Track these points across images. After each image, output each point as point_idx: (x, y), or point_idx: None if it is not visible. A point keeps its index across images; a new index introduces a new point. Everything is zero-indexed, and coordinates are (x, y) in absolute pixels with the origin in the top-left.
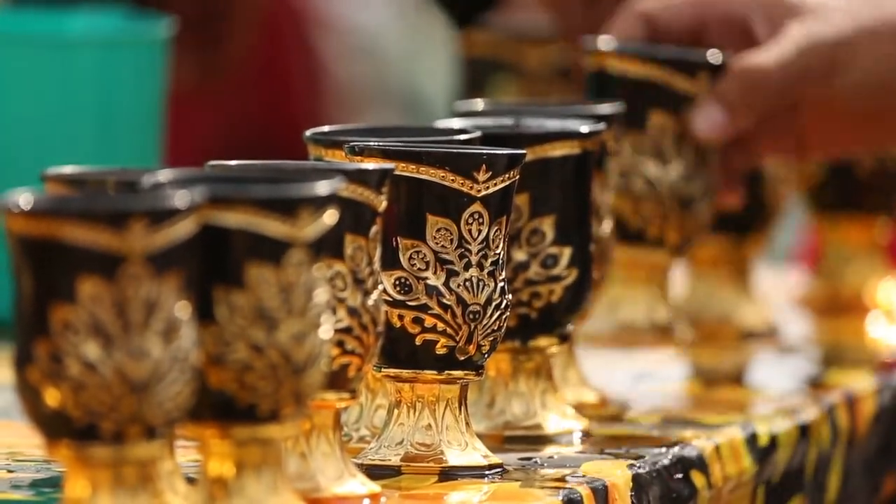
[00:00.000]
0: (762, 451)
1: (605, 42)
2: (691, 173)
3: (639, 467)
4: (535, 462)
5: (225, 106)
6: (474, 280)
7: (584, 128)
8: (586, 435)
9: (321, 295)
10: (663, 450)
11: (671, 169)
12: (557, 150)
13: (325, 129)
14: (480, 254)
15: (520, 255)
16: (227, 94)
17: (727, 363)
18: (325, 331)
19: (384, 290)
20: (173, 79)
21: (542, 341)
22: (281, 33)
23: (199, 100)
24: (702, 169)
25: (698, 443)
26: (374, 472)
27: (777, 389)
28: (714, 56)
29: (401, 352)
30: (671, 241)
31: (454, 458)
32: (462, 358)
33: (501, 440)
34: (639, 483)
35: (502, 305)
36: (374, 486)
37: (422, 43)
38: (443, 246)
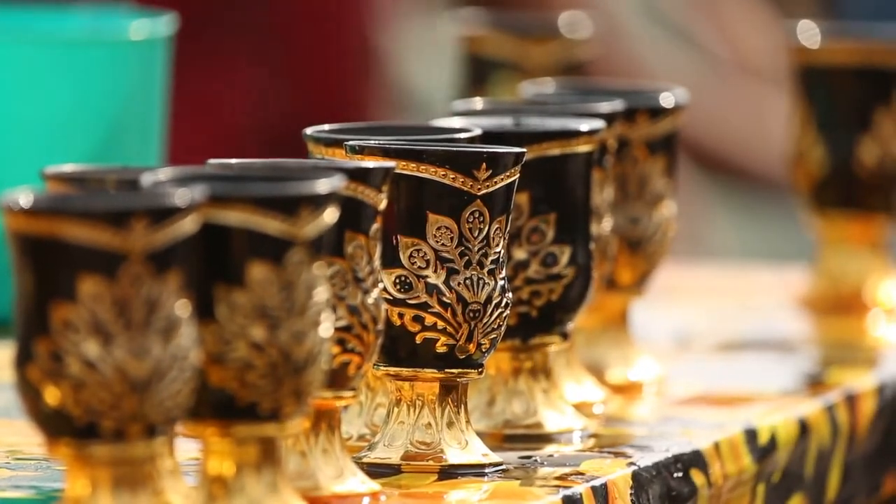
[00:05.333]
0: (762, 450)
1: None
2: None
3: (638, 466)
4: (535, 461)
5: (252, 106)
6: (474, 278)
7: (584, 126)
8: (586, 433)
9: (321, 293)
10: (663, 448)
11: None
12: (558, 149)
13: (325, 127)
14: (481, 252)
15: (520, 254)
16: (255, 95)
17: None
18: (326, 329)
19: (384, 289)
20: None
21: (543, 340)
22: (315, 36)
23: (226, 99)
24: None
25: (698, 441)
26: (374, 470)
27: (777, 388)
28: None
29: (401, 350)
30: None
31: (454, 456)
32: (462, 356)
33: (501, 439)
34: (638, 482)
35: (502, 304)
36: (373, 485)
37: (422, 39)
38: (443, 244)
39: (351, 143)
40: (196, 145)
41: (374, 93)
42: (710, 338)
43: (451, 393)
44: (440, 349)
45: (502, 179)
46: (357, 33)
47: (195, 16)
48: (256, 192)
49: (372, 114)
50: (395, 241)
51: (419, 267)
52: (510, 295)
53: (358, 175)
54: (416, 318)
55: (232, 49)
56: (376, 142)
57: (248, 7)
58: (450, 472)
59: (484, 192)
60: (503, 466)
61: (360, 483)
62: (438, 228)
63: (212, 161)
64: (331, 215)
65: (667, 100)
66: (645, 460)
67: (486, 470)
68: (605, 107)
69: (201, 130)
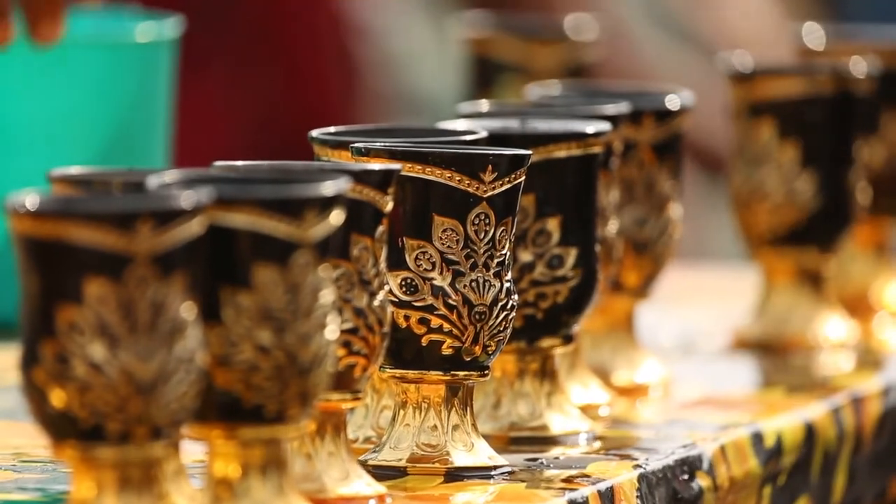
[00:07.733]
0: (768, 453)
1: None
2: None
3: (645, 468)
4: (541, 463)
5: (257, 109)
6: (480, 281)
7: (590, 128)
8: (592, 436)
9: (327, 296)
10: (669, 451)
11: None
12: (563, 151)
13: (331, 129)
14: (486, 254)
15: (525, 256)
16: (260, 98)
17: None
18: (331, 331)
19: (390, 291)
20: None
21: (548, 342)
22: (320, 38)
23: (232, 102)
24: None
25: (704, 444)
26: (380, 472)
27: (783, 390)
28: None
29: (406, 352)
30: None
31: (460, 458)
32: (468, 358)
33: (507, 441)
34: (645, 484)
35: (508, 306)
36: (379, 487)
37: (428, 42)
38: (449, 246)
39: (357, 145)
40: (197, 148)
41: (366, 99)
42: (715, 340)
43: (457, 395)
44: (446, 351)
45: (508, 181)
46: (343, 42)
47: (198, 17)
48: (262, 194)
49: (364, 118)
50: (400, 244)
51: (425, 269)
52: (516, 297)
53: (363, 177)
54: (422, 321)
55: (227, 52)
56: (382, 144)
57: (241, 9)
58: (456, 475)
59: (490, 194)
60: (509, 469)
61: (365, 485)
62: (444, 230)
63: (217, 163)
64: (336, 218)
65: (672, 102)
66: (651, 463)
67: (492, 472)
68: (611, 109)
69: (202, 133)
